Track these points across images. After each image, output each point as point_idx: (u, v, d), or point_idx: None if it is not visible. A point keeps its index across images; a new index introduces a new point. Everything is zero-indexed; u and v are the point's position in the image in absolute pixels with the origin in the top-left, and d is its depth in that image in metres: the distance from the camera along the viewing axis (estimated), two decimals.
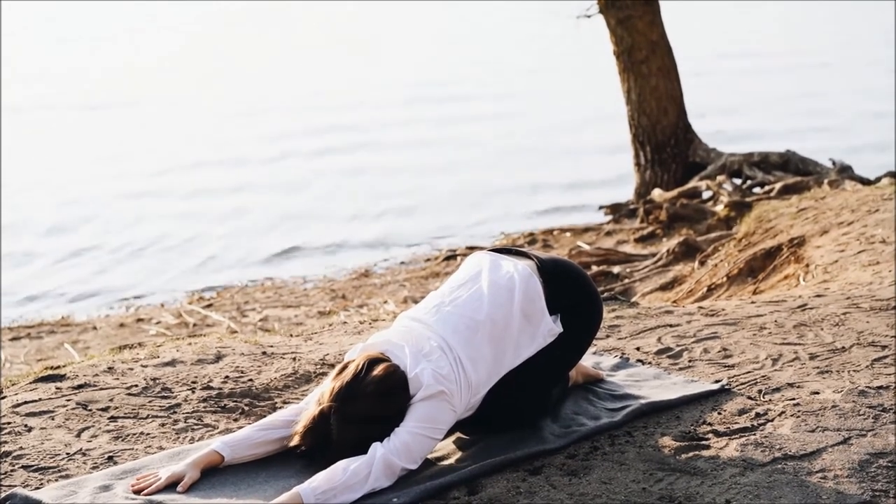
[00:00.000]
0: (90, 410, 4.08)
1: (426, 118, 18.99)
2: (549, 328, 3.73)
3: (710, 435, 3.67)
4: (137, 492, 3.38)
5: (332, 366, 4.46)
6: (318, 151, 16.41)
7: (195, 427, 3.94)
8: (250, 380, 4.39)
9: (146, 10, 38.57)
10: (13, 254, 12.00)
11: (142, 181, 15.15)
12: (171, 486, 3.40)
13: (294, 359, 4.64)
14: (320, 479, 3.29)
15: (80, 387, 4.30)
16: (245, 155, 16.51)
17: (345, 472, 3.30)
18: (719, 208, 10.67)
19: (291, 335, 5.23)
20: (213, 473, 3.49)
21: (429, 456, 3.57)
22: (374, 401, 3.42)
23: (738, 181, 11.79)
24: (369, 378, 3.45)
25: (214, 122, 19.34)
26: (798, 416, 3.76)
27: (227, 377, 4.40)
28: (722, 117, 17.02)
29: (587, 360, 4.31)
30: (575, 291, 3.84)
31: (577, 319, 3.81)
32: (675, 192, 11.36)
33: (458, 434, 3.74)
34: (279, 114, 19.81)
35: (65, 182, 15.24)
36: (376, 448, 3.36)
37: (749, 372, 4.25)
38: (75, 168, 16.10)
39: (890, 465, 3.42)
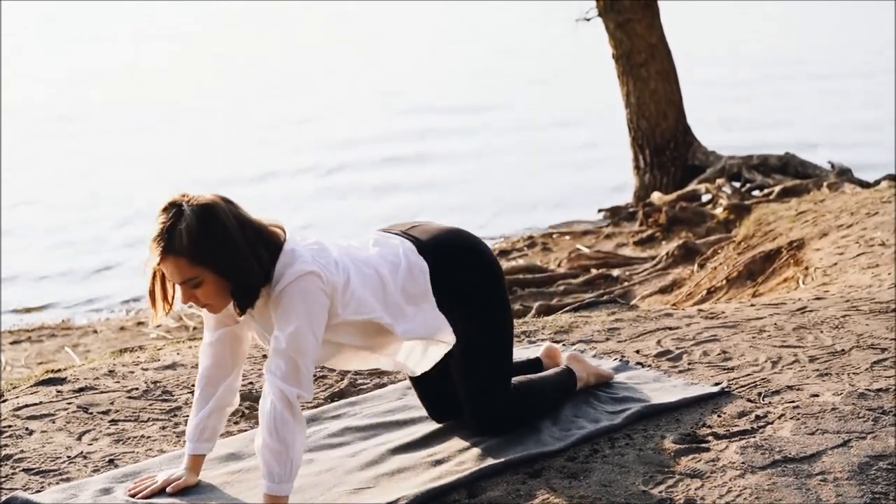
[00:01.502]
0: (91, 413, 4.09)
1: (427, 120, 18.97)
2: (436, 319, 3.47)
3: (709, 437, 3.68)
4: (133, 495, 3.39)
5: (332, 369, 4.47)
6: (315, 165, 16.28)
7: None
8: (251, 383, 4.39)
9: (146, 10, 38.54)
10: (13, 255, 11.99)
11: (140, 183, 15.14)
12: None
13: None
14: (271, 464, 3.15)
15: (80, 390, 4.31)
16: (236, 162, 16.44)
17: (283, 442, 3.14)
18: (718, 211, 10.67)
19: None
20: (210, 478, 3.50)
21: (428, 458, 3.58)
22: (246, 232, 3.19)
23: (737, 184, 11.79)
24: (255, 217, 3.27)
25: (215, 125, 19.33)
26: (798, 419, 3.77)
27: None
28: (724, 119, 17.05)
29: None
30: (467, 265, 3.58)
31: (481, 294, 3.60)
32: (674, 195, 11.35)
33: (456, 437, 3.73)
34: (279, 120, 19.80)
35: (63, 184, 15.22)
36: (284, 393, 3.16)
37: (749, 374, 4.25)
38: (74, 169, 16.08)
39: (890, 467, 3.43)
